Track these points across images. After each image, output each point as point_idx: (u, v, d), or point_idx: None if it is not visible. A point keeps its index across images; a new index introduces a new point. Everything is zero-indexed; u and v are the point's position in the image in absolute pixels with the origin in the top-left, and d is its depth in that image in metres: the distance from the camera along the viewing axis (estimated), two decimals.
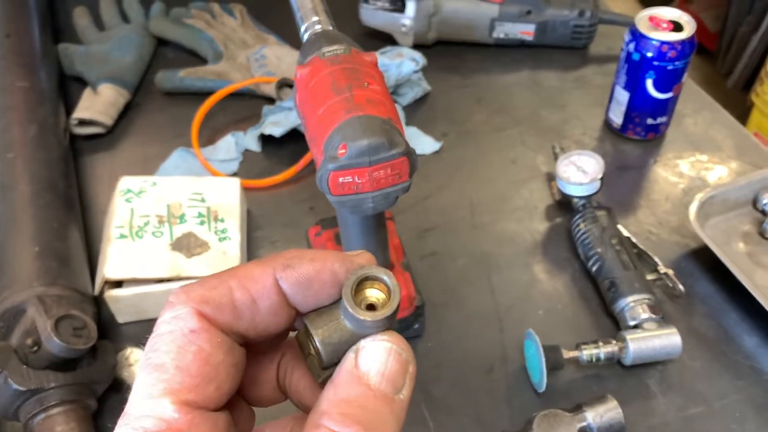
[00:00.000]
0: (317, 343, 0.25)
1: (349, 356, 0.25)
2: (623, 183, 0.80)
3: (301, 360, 0.28)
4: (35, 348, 0.56)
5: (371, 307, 0.26)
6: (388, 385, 0.24)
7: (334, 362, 0.26)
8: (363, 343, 0.25)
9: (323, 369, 0.26)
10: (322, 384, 0.26)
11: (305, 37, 0.54)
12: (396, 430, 0.23)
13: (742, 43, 2.07)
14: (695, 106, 0.90)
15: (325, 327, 0.26)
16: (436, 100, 0.91)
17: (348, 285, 0.25)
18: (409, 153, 0.46)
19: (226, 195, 0.71)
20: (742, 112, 1.87)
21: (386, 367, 0.24)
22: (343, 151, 0.45)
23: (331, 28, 0.54)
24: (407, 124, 0.87)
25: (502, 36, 0.96)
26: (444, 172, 0.82)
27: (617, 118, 0.84)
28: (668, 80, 0.78)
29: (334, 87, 0.46)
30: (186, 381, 0.22)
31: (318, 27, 0.54)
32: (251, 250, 0.73)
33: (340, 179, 0.46)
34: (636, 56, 0.78)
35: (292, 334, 0.29)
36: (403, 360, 0.24)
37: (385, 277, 0.26)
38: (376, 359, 0.24)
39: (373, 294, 0.26)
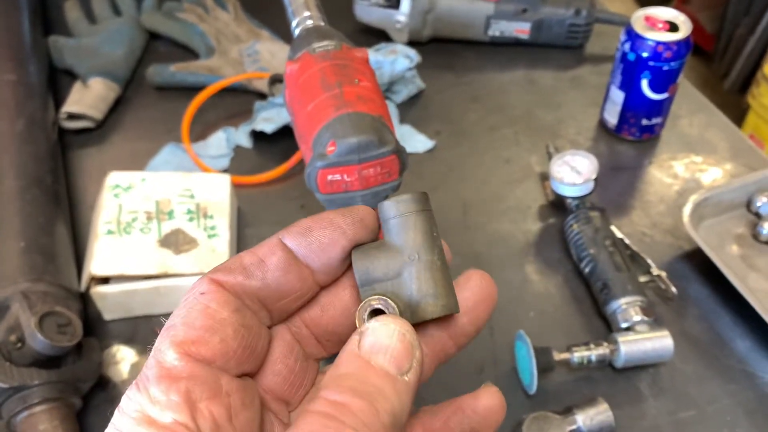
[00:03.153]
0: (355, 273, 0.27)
1: (353, 338, 0.24)
2: (617, 184, 0.80)
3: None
4: (19, 345, 0.55)
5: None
6: (391, 364, 0.23)
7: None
8: (366, 325, 0.24)
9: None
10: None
11: (296, 32, 0.53)
12: (398, 409, 0.22)
13: (739, 45, 2.07)
14: (691, 107, 0.89)
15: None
16: (431, 99, 0.90)
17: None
18: (399, 151, 0.46)
19: (216, 191, 0.70)
20: (738, 114, 1.86)
21: (389, 346, 0.23)
22: (332, 148, 0.44)
23: (322, 23, 0.53)
24: (401, 122, 0.86)
25: (497, 34, 0.95)
26: (437, 171, 0.81)
27: (612, 118, 0.84)
28: (663, 81, 0.78)
29: (323, 83, 0.46)
30: (190, 333, 0.23)
31: (309, 22, 0.53)
32: (241, 247, 0.72)
33: (329, 177, 0.45)
34: (631, 56, 0.77)
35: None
36: (408, 342, 0.24)
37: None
38: (379, 338, 0.24)
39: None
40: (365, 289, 0.27)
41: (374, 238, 0.28)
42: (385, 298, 0.27)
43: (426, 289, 0.27)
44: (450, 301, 0.27)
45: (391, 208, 0.27)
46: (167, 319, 0.25)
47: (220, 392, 0.23)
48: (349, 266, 0.28)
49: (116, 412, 0.23)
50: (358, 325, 0.27)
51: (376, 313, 0.27)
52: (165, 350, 0.23)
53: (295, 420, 0.23)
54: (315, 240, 0.26)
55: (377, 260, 0.27)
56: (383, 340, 0.24)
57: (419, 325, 0.27)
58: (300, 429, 0.21)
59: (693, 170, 0.81)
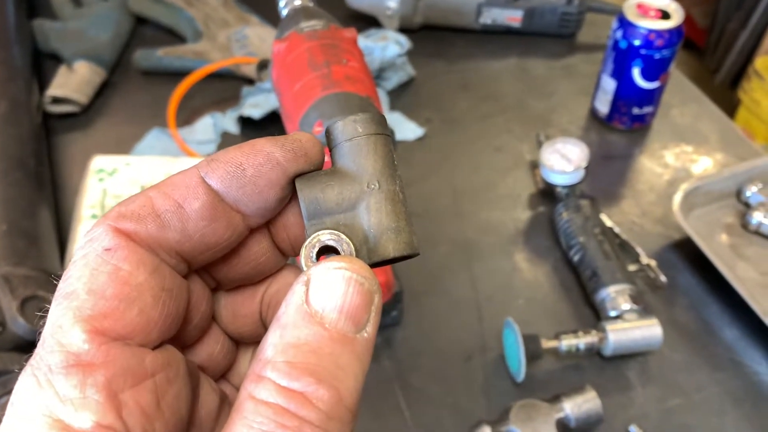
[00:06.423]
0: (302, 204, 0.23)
1: (297, 289, 0.20)
2: (608, 173, 0.80)
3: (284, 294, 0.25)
4: (0, 329, 0.54)
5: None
6: (348, 323, 0.20)
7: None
8: (314, 271, 0.20)
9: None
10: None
11: (284, 12, 0.53)
12: (359, 374, 0.19)
13: (731, 40, 2.07)
14: (682, 97, 0.89)
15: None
16: (421, 86, 0.90)
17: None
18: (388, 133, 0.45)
19: None
20: (729, 108, 1.86)
21: (345, 301, 0.20)
22: (320, 128, 0.43)
23: (310, 3, 0.53)
24: (391, 109, 0.86)
25: (489, 22, 0.95)
26: (427, 159, 0.81)
27: (603, 107, 0.83)
28: (655, 69, 0.77)
29: (311, 63, 0.45)
30: (99, 305, 0.19)
31: (297, 2, 0.52)
32: None
33: None
34: (623, 44, 0.77)
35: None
36: (366, 291, 0.20)
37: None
38: (332, 293, 0.20)
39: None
40: (313, 223, 0.23)
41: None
42: (337, 233, 0.22)
43: (387, 222, 0.23)
44: (412, 239, 0.23)
45: (347, 128, 0.23)
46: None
47: (144, 375, 0.19)
48: (286, 204, 0.24)
49: (9, 410, 0.18)
50: (304, 267, 0.22)
51: (325, 251, 0.23)
52: (69, 329, 0.18)
53: (236, 405, 0.19)
54: (250, 182, 0.21)
55: (329, 188, 0.23)
56: (337, 292, 0.20)
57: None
58: (249, 428, 0.18)
59: (683, 160, 0.81)
